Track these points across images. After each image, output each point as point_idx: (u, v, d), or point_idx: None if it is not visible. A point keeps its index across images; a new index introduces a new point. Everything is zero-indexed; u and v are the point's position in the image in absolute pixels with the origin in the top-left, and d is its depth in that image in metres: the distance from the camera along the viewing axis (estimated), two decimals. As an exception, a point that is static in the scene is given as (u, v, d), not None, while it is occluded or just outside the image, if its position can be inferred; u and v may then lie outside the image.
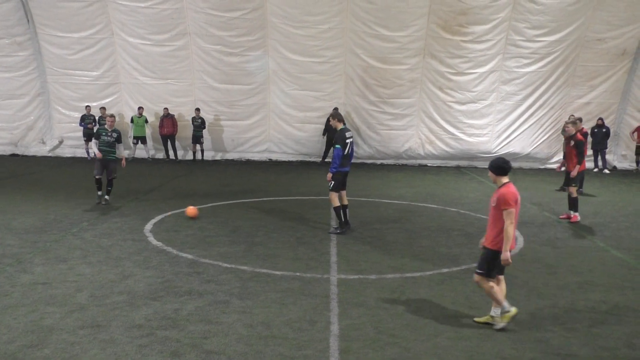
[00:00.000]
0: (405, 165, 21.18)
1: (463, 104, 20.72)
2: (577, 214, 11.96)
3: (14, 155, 21.45)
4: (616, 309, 6.98)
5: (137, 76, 20.62)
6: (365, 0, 19.09)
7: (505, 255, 6.13)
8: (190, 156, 21.38)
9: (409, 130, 20.92)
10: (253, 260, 8.59)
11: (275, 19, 19.50)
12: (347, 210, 10.63)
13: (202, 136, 20.76)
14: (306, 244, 9.64)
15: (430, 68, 20.22)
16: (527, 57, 20.07)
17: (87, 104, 20.55)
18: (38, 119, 21.41)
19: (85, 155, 21.01)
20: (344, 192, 10.56)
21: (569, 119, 20.26)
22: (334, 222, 10.87)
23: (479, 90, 20.54)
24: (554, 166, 21.13)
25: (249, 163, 20.88)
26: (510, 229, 6.09)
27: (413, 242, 9.95)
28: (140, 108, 20.47)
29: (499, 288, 6.35)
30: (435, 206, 13.18)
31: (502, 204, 6.15)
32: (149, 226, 10.64)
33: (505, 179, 6.30)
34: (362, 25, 19.54)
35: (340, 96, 20.72)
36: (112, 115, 13.11)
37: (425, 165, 20.85)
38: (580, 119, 16.03)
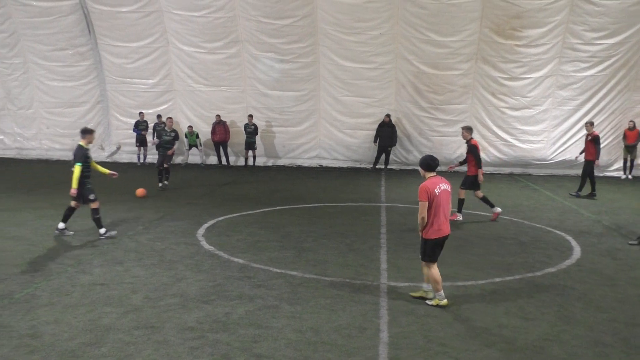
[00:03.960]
0: (457, 172, 20.77)
1: (517, 109, 20.26)
2: (459, 213, 12.45)
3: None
4: (680, 323, 6.67)
5: (191, 83, 21.08)
6: (416, 5, 18.92)
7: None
8: (242, 162, 21.65)
9: (461, 136, 20.55)
10: (303, 266, 8.64)
11: (326, 25, 19.59)
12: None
13: (254, 142, 20.91)
14: (356, 251, 9.62)
15: (482, 73, 19.88)
16: (585, 60, 19.46)
17: (140, 111, 21.12)
18: (97, 126, 22.11)
19: (136, 161, 21.56)
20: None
21: (629, 124, 19.68)
22: (383, 229, 10.78)
23: (534, 95, 20.04)
24: (618, 174, 20.37)
25: (299, 169, 21.00)
26: (419, 218, 6.93)
27: (465, 250, 9.79)
28: (189, 127, 20.85)
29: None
30: (488, 214, 12.92)
31: (418, 196, 6.89)
32: (201, 230, 10.86)
33: (429, 174, 7.07)
34: (413, 30, 19.40)
35: (391, 102, 20.62)
36: (170, 118, 16.93)
37: (478, 172, 20.39)
38: (591, 123, 15.92)
